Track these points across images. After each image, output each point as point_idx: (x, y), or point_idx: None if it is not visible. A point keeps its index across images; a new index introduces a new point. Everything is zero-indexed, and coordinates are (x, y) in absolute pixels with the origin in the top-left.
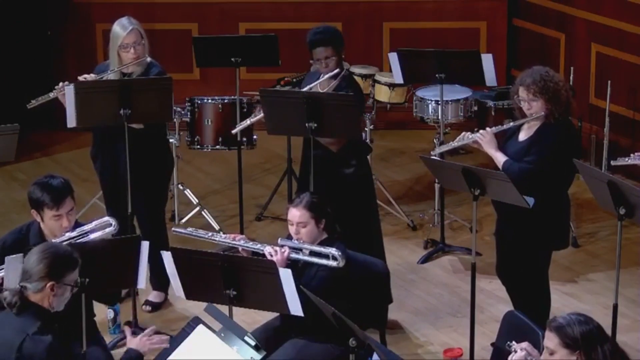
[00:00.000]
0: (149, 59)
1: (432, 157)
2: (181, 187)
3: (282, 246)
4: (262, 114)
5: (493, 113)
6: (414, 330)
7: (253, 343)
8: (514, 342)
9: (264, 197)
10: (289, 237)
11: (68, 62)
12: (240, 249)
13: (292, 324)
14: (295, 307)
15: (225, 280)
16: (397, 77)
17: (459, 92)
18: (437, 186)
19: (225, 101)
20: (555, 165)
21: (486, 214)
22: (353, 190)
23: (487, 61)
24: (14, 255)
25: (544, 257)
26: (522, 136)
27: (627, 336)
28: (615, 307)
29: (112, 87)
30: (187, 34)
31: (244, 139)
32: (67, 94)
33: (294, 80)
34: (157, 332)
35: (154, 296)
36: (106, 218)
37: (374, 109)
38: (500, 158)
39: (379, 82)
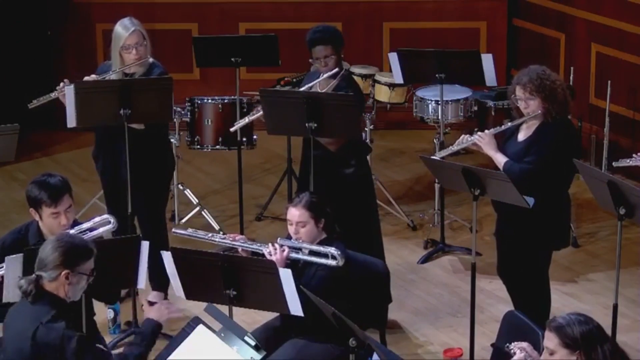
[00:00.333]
0: (151, 60)
1: (432, 158)
2: (181, 187)
3: (281, 246)
4: (260, 112)
5: (493, 113)
6: (414, 330)
7: (253, 343)
8: (512, 344)
9: (264, 197)
10: (289, 237)
11: (68, 62)
12: (240, 249)
13: (292, 324)
14: (295, 307)
15: (225, 280)
16: (397, 77)
17: (459, 92)
18: (437, 186)
19: (225, 101)
20: (555, 165)
21: (486, 214)
22: (353, 190)
23: (487, 61)
24: (14, 255)
25: (544, 256)
26: (521, 136)
27: (627, 336)
28: (615, 307)
29: (112, 87)
30: (187, 34)
31: (244, 139)
32: (67, 94)
33: (294, 80)
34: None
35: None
36: (105, 216)
37: (374, 109)
38: (500, 159)
39: (379, 82)
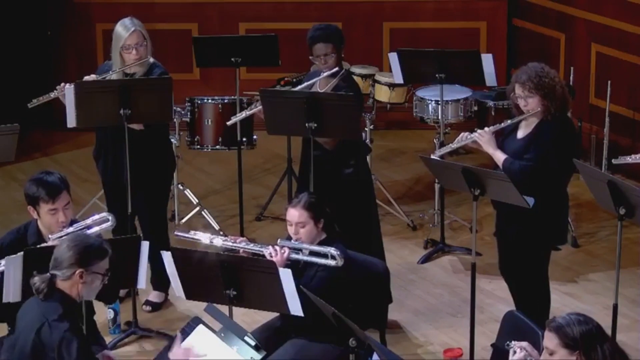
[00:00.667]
0: (151, 60)
1: (432, 158)
2: (181, 187)
3: (281, 247)
4: (257, 108)
5: (493, 113)
6: (414, 330)
7: (253, 343)
8: (513, 342)
9: (264, 197)
10: (289, 238)
11: (68, 62)
12: (240, 251)
13: (292, 324)
14: (295, 307)
15: (225, 280)
16: (397, 77)
17: (459, 92)
18: (437, 186)
19: (225, 101)
20: (554, 162)
21: (486, 214)
22: (352, 190)
23: (487, 61)
24: (14, 255)
25: (543, 255)
26: (521, 134)
27: (627, 336)
28: (615, 307)
29: (112, 87)
30: (187, 34)
31: (244, 139)
32: (67, 94)
33: (294, 80)
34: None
35: (154, 296)
36: (104, 214)
37: (374, 109)
38: (500, 157)
39: (379, 82)
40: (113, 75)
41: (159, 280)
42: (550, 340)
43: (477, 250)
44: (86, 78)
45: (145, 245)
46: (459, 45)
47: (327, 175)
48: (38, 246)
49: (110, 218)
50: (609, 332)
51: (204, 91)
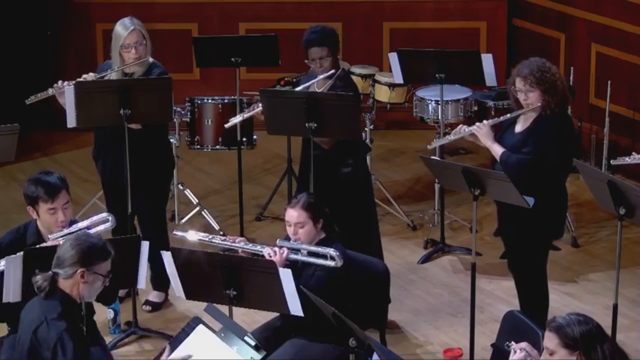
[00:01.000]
0: (151, 60)
1: (432, 158)
2: (181, 187)
3: (281, 247)
4: (255, 110)
5: (493, 113)
6: (414, 330)
7: (253, 343)
8: (512, 342)
9: (264, 197)
10: (288, 238)
11: (68, 62)
12: (240, 251)
13: (292, 324)
14: (295, 307)
15: (225, 280)
16: (397, 77)
17: (459, 92)
18: (437, 186)
19: (225, 101)
20: (554, 157)
21: (486, 214)
22: (351, 189)
23: (487, 61)
24: (14, 255)
25: (542, 252)
26: (519, 128)
27: (627, 336)
28: (615, 307)
29: (112, 87)
30: (187, 34)
31: (244, 139)
32: (66, 93)
33: (294, 80)
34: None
35: (154, 296)
36: (104, 214)
37: (374, 109)
38: (497, 150)
39: (379, 82)
40: (112, 75)
41: (159, 280)
42: (550, 340)
43: (477, 250)
44: (84, 76)
45: (145, 245)
46: (459, 45)
47: (326, 175)
48: (38, 246)
49: (110, 218)
50: (609, 332)
51: (204, 91)
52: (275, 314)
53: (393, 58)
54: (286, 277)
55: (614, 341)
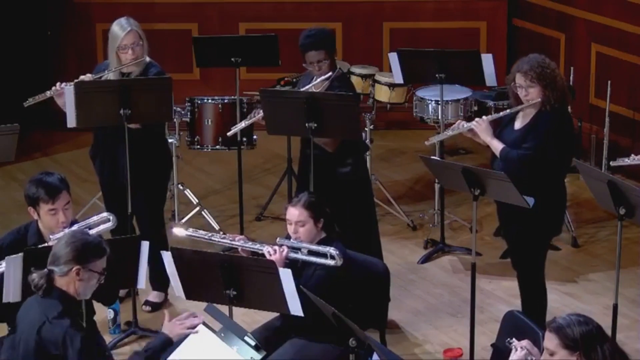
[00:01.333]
0: (147, 59)
1: (432, 158)
2: (181, 187)
3: (280, 245)
4: (256, 117)
5: (493, 113)
6: (414, 330)
7: (253, 343)
8: (514, 339)
9: (264, 197)
10: (288, 237)
11: (68, 62)
12: (239, 249)
13: (292, 324)
14: (295, 307)
15: (225, 280)
16: (397, 77)
17: (459, 92)
18: (437, 186)
19: (225, 101)
20: (553, 153)
21: (486, 214)
22: (350, 189)
23: (487, 61)
24: (14, 255)
25: (541, 251)
26: (518, 124)
27: (627, 336)
28: (615, 307)
29: (112, 87)
30: (187, 34)
31: (244, 139)
32: (66, 94)
33: (294, 80)
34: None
35: (154, 296)
36: (104, 214)
37: (374, 109)
38: (497, 145)
39: (379, 82)
40: (109, 75)
41: (158, 280)
42: (550, 340)
43: (477, 250)
44: (82, 77)
45: (145, 245)
46: (459, 45)
47: (325, 174)
48: (39, 246)
49: (111, 218)
50: (609, 332)
51: (204, 91)
52: (275, 314)
53: (393, 58)
54: (286, 277)
55: (614, 341)
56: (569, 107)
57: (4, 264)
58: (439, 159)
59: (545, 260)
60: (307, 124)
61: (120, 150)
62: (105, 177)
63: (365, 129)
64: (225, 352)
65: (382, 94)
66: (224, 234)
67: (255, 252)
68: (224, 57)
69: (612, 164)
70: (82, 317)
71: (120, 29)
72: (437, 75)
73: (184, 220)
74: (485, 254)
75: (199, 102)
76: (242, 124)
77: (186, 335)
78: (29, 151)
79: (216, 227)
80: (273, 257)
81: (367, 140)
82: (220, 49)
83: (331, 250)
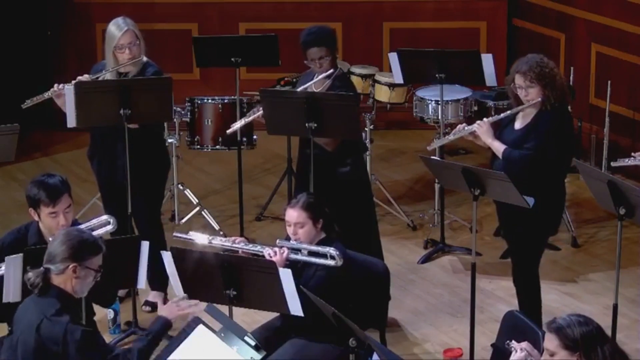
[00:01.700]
0: (145, 59)
1: (432, 158)
2: (181, 187)
3: (281, 247)
4: (255, 114)
5: (493, 113)
6: (414, 330)
7: (253, 343)
8: (513, 342)
9: (264, 197)
10: (288, 238)
11: (68, 62)
12: (240, 251)
13: (292, 324)
14: (295, 307)
15: (225, 280)
16: (397, 77)
17: (459, 92)
18: (437, 186)
19: (225, 101)
20: (553, 152)
21: (486, 214)
22: (349, 189)
23: (487, 61)
24: (14, 255)
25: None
26: (518, 125)
27: (627, 336)
28: (615, 307)
29: (111, 87)
30: (187, 34)
31: (244, 139)
32: (66, 94)
33: (294, 80)
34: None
35: (154, 296)
36: (105, 216)
37: (374, 109)
38: (498, 147)
39: (379, 82)
40: (107, 75)
41: (157, 280)
42: (550, 341)
43: (477, 250)
44: (79, 78)
45: (145, 245)
46: (459, 45)
47: (324, 174)
48: (39, 246)
49: (111, 220)
50: (609, 332)
51: (204, 91)
52: (275, 314)
53: (393, 58)
54: (286, 277)
55: (614, 342)
56: (569, 107)
57: (3, 264)
58: (438, 159)
59: (538, 264)
60: (307, 124)
61: (118, 150)
62: (103, 178)
63: (365, 129)
64: (225, 352)
65: (382, 94)
66: (224, 235)
67: (255, 254)
68: (224, 57)
69: (612, 164)
70: (82, 318)
71: (117, 28)
72: (437, 75)
73: (183, 221)
74: (485, 254)
75: (199, 102)
76: (242, 122)
77: (186, 333)
78: (29, 151)
79: (216, 227)
80: (273, 259)
81: (367, 140)
82: (220, 49)
83: (331, 250)
